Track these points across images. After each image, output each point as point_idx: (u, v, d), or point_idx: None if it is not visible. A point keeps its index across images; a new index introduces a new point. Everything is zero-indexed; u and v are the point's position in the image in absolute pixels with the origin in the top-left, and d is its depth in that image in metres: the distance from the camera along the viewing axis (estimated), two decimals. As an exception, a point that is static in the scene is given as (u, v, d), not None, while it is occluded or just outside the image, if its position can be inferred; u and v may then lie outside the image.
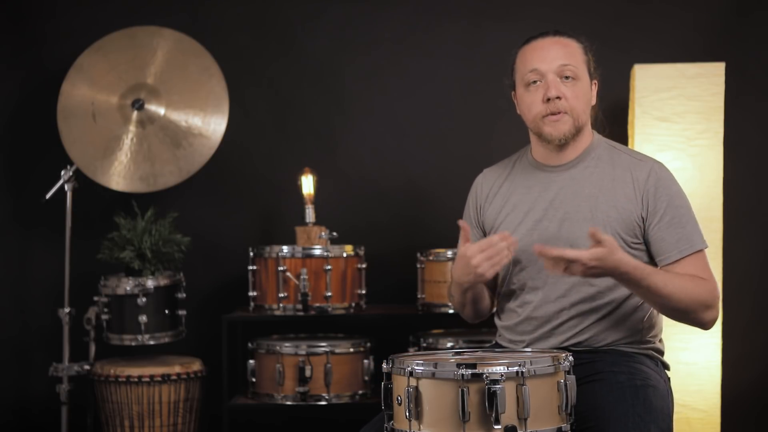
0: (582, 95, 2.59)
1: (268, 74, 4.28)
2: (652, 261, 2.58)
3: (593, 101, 2.65)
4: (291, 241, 3.89)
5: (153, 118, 3.91)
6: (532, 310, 2.61)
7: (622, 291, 2.57)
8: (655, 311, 2.61)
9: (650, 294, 2.43)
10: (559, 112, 2.56)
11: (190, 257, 4.00)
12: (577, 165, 2.62)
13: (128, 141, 3.91)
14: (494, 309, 2.82)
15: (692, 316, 2.49)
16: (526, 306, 2.63)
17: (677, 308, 2.47)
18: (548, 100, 2.55)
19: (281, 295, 3.73)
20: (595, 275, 2.38)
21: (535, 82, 2.57)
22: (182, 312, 3.89)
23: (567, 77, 2.56)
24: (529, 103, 2.59)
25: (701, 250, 2.57)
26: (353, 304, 3.82)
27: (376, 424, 2.42)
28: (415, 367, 2.18)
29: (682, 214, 2.56)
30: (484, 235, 2.76)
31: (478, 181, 2.80)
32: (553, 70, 2.56)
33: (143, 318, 3.77)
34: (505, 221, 2.67)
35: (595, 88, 2.65)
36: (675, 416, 2.53)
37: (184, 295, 3.89)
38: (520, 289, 2.64)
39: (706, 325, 2.53)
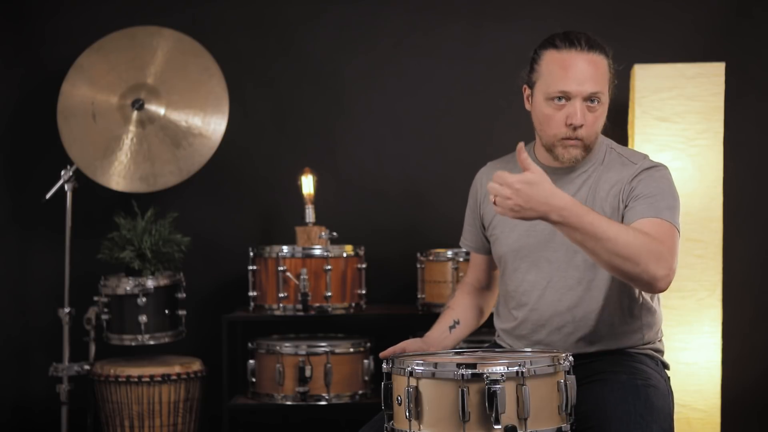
0: (601, 118, 2.53)
1: (268, 74, 4.28)
2: None
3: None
4: (291, 241, 3.89)
5: (153, 118, 3.91)
6: (528, 312, 2.61)
7: (617, 300, 2.55)
8: (653, 311, 2.60)
9: (592, 237, 2.23)
10: (577, 138, 2.52)
11: (190, 257, 4.01)
12: (576, 168, 2.60)
13: (128, 141, 3.91)
14: (493, 303, 2.85)
15: (642, 267, 2.25)
16: (522, 308, 2.63)
17: (623, 254, 2.24)
18: (570, 125, 2.50)
19: (281, 295, 3.73)
20: (527, 211, 2.21)
21: (560, 99, 2.50)
22: (182, 312, 3.89)
23: (592, 101, 2.50)
24: (548, 118, 2.52)
25: (667, 222, 2.40)
26: (353, 304, 3.82)
27: (376, 424, 2.42)
28: (415, 367, 2.18)
29: (658, 193, 2.45)
30: (483, 229, 2.76)
31: (480, 175, 2.80)
32: (582, 96, 2.48)
33: (143, 318, 3.76)
34: (502, 220, 2.67)
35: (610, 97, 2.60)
36: (675, 416, 2.53)
37: (184, 295, 3.89)
38: (516, 291, 2.64)
39: (657, 282, 2.28)
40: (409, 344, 2.59)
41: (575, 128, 2.49)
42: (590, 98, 2.49)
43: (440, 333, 2.72)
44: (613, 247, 2.25)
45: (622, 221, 2.48)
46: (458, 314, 2.77)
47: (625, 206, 2.49)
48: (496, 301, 2.79)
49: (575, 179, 2.60)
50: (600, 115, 2.53)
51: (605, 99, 2.54)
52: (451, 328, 2.74)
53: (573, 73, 2.48)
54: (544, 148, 2.60)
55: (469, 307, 2.82)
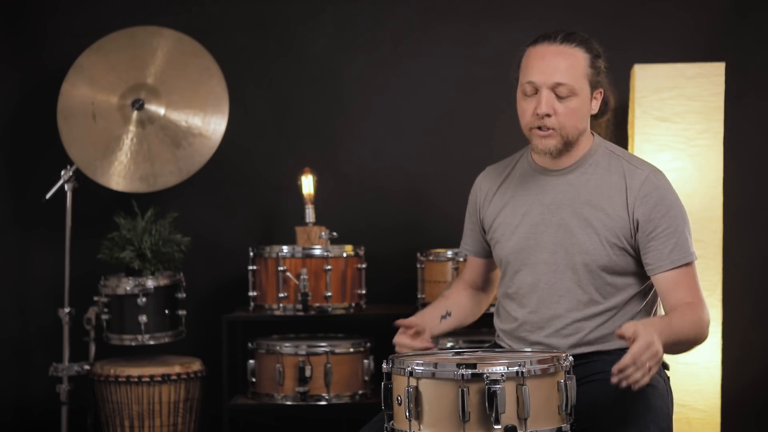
0: (576, 111, 2.52)
1: (268, 74, 4.28)
2: (641, 268, 2.56)
3: (594, 110, 2.59)
4: (291, 241, 3.89)
5: (153, 118, 3.91)
6: (528, 314, 2.61)
7: (617, 301, 2.56)
8: (653, 312, 2.62)
9: (678, 345, 2.42)
10: (547, 128, 2.53)
11: (190, 257, 4.01)
12: (574, 170, 2.60)
13: (128, 141, 3.91)
14: (488, 302, 2.86)
15: (703, 337, 2.54)
16: (522, 310, 2.63)
17: (690, 346, 2.50)
18: (537, 114, 2.52)
19: (281, 295, 3.73)
20: (656, 358, 2.25)
21: (530, 91, 2.53)
22: (182, 312, 3.89)
23: (562, 93, 2.51)
24: (522, 111, 2.56)
25: (692, 262, 2.53)
26: (353, 304, 3.82)
27: (376, 424, 2.42)
28: (415, 367, 2.18)
29: (678, 224, 2.51)
30: (484, 233, 2.76)
31: (479, 180, 2.80)
32: (548, 86, 2.50)
33: (143, 318, 3.76)
34: (502, 223, 2.67)
35: (600, 97, 2.59)
36: (675, 416, 2.53)
37: (184, 295, 3.89)
38: (516, 293, 2.64)
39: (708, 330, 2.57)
40: (413, 320, 2.66)
41: (542, 117, 2.51)
42: (556, 90, 2.50)
43: (432, 319, 2.76)
44: (685, 347, 2.48)
45: (633, 239, 2.52)
46: (451, 306, 2.81)
47: (637, 229, 2.51)
48: (497, 301, 2.79)
49: (573, 180, 2.59)
50: (576, 108, 2.52)
51: (580, 91, 2.52)
52: (443, 318, 2.78)
53: (540, 64, 2.52)
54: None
55: (463, 303, 2.84)
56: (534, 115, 2.52)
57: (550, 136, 2.53)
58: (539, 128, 2.53)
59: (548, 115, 2.50)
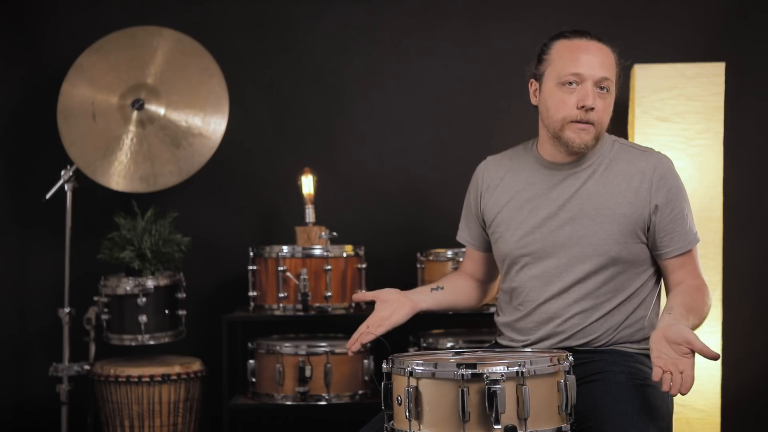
0: (610, 107, 2.58)
1: (268, 74, 4.28)
2: (649, 256, 2.59)
3: None
4: (291, 241, 3.89)
5: (153, 118, 3.91)
6: (534, 308, 2.61)
7: (625, 292, 2.57)
8: (655, 308, 2.63)
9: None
10: (587, 123, 2.54)
11: (190, 257, 4.00)
12: (581, 163, 2.61)
13: (128, 141, 3.91)
14: (485, 297, 2.87)
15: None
16: (527, 304, 2.63)
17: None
18: (582, 107, 2.53)
19: (281, 295, 3.73)
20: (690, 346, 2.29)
21: (571, 83, 2.54)
22: (182, 312, 3.89)
23: (602, 88, 2.55)
24: (559, 103, 2.55)
25: (695, 247, 2.61)
26: (353, 305, 3.82)
27: (376, 424, 2.43)
28: (415, 367, 2.18)
29: (689, 206, 2.59)
30: (483, 225, 2.76)
31: (480, 169, 2.80)
32: (594, 79, 2.53)
33: (143, 318, 3.76)
34: (506, 218, 2.67)
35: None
36: (675, 416, 2.53)
37: (184, 295, 3.89)
38: (522, 287, 2.64)
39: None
40: (385, 292, 2.70)
41: (587, 111, 2.52)
42: (600, 84, 2.54)
43: (421, 291, 2.79)
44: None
45: (647, 225, 2.55)
46: (443, 284, 2.83)
47: (654, 213, 2.54)
48: (498, 298, 2.79)
49: (580, 173, 2.60)
50: (609, 104, 2.58)
51: (613, 90, 2.58)
52: (433, 290, 2.80)
53: (585, 58, 2.54)
54: (552, 138, 2.60)
55: (458, 284, 2.87)
56: (577, 108, 2.53)
57: (588, 130, 2.54)
58: (578, 121, 2.53)
59: (591, 109, 2.52)
